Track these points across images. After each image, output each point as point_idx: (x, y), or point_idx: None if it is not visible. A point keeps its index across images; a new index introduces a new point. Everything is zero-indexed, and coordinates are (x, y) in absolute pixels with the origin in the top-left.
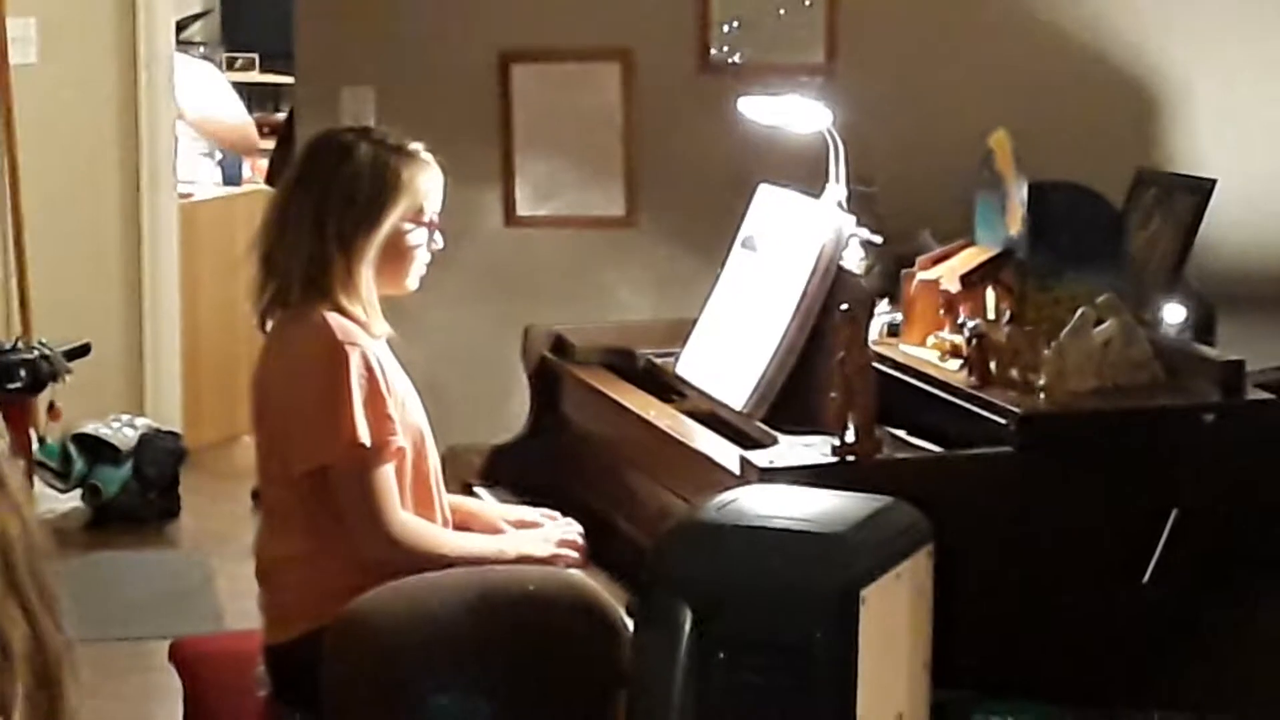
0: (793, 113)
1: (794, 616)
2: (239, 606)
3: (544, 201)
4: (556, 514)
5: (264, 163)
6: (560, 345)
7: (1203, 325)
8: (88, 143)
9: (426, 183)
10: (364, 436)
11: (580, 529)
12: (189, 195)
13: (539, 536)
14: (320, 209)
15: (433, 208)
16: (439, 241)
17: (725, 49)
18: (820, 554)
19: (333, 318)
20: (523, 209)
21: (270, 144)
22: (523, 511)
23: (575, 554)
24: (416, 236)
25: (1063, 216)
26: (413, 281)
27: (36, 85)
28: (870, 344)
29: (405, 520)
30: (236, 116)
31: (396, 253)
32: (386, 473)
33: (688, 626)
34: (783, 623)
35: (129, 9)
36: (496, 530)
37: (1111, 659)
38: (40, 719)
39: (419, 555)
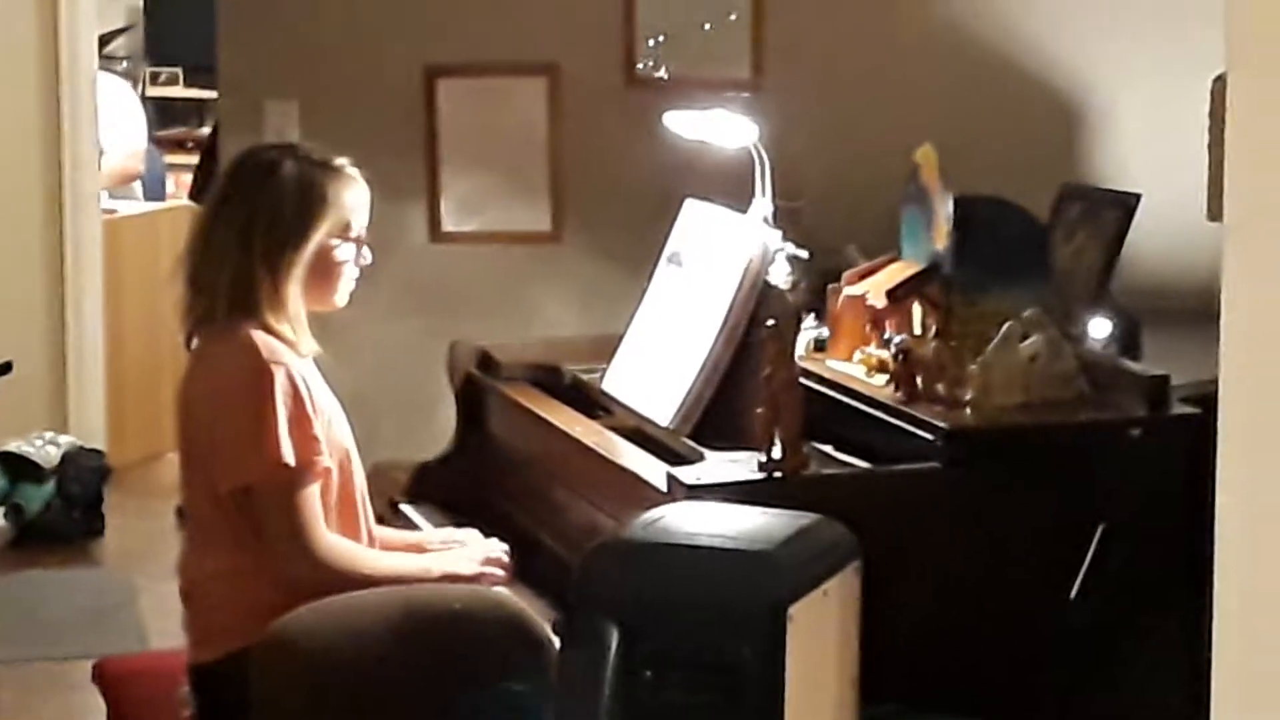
0: (718, 127)
1: (721, 635)
2: (163, 625)
3: (469, 217)
4: (477, 534)
5: (187, 177)
6: (486, 361)
7: (1128, 340)
8: (10, 157)
9: (353, 199)
10: (288, 456)
11: (506, 547)
12: (112, 211)
13: (464, 555)
14: (246, 227)
15: (360, 224)
16: (367, 257)
17: (651, 64)
18: (747, 572)
19: (259, 336)
20: (448, 224)
21: (194, 159)
22: (448, 532)
23: (501, 572)
24: (344, 253)
25: (988, 231)
26: (341, 298)
27: None
28: (796, 359)
29: (329, 540)
30: (121, 150)
31: (324, 269)
32: (311, 493)
33: (614, 645)
34: (710, 641)
35: (51, 23)
36: (421, 551)
37: (1037, 675)
38: None
39: (343, 575)
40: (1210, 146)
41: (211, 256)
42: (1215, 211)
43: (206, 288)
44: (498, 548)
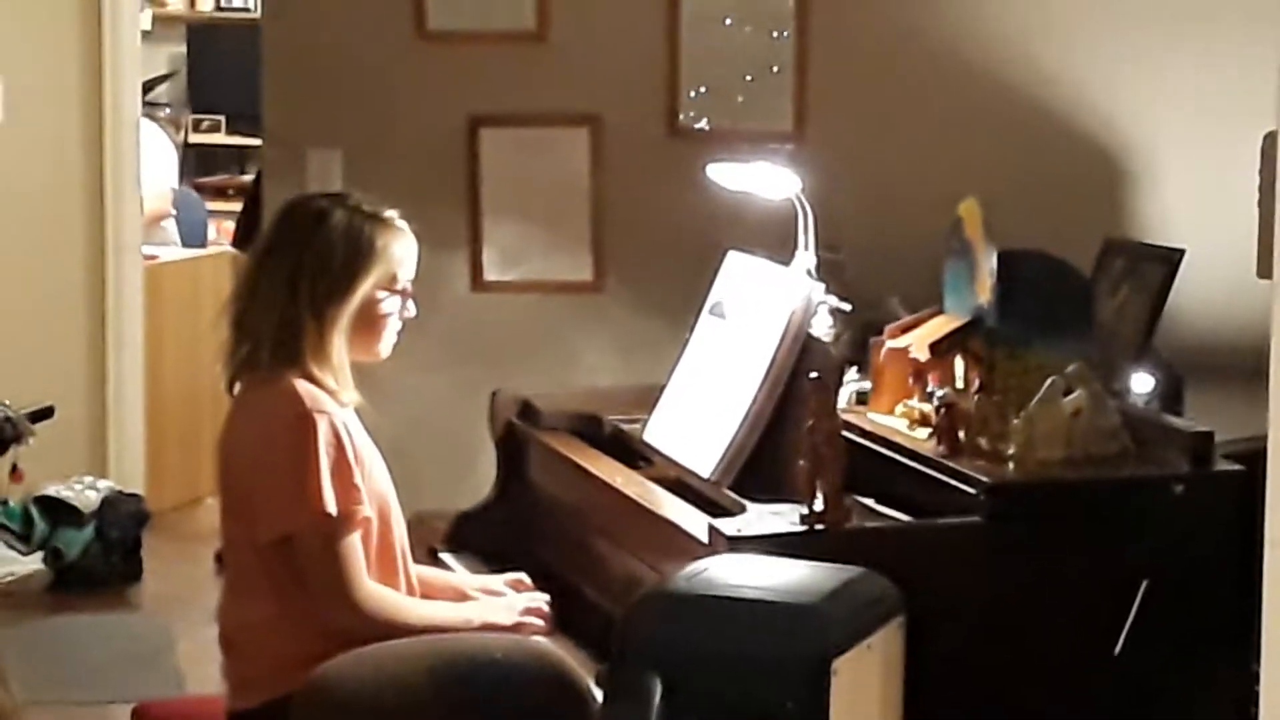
0: (761, 179)
1: (765, 687)
2: (201, 671)
3: (511, 266)
4: (524, 576)
5: (229, 224)
6: (527, 411)
7: (1171, 395)
8: (53, 203)
9: (401, 251)
10: (330, 506)
11: (546, 597)
12: (154, 257)
13: (504, 605)
14: (294, 275)
15: (406, 276)
16: (411, 310)
17: (693, 115)
18: (792, 625)
19: (301, 385)
20: (490, 274)
21: (236, 205)
22: (488, 580)
23: (540, 622)
24: (390, 305)
25: (1032, 285)
26: (385, 349)
27: (2, 145)
28: (839, 412)
29: (371, 589)
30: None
31: (369, 320)
32: (353, 542)
33: (658, 697)
34: (754, 694)
35: (96, 70)
36: (462, 598)
37: None
38: None
39: (384, 624)
40: (1260, 203)
41: (257, 303)
42: (1264, 269)
43: (251, 334)
44: (538, 598)
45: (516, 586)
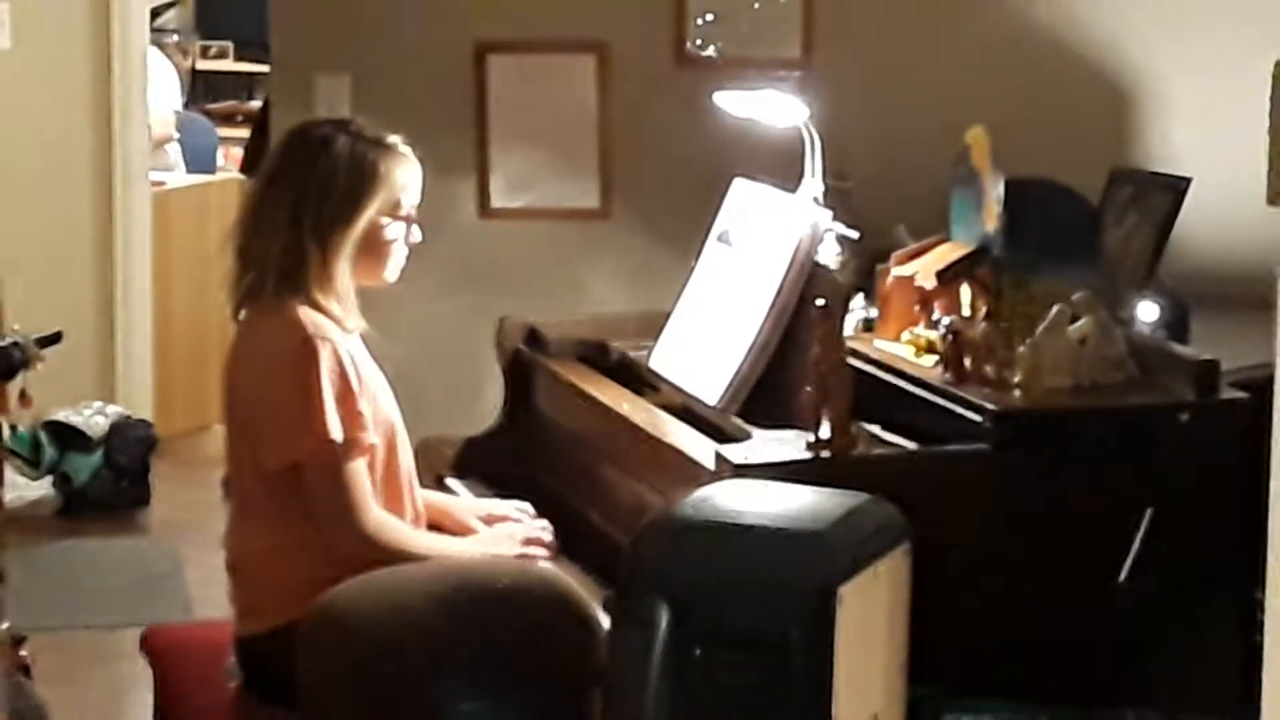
0: (768, 107)
1: (771, 614)
2: (209, 595)
3: (518, 193)
4: (528, 506)
5: (237, 151)
6: (534, 338)
7: (1177, 324)
8: (60, 130)
9: (404, 176)
10: (335, 433)
11: (549, 526)
12: (162, 183)
13: (506, 534)
14: (297, 202)
15: (411, 201)
16: (417, 235)
17: (701, 42)
18: (798, 551)
19: (305, 312)
20: (497, 201)
21: (244, 132)
22: (494, 504)
23: (543, 552)
24: (394, 231)
25: (1038, 213)
26: (392, 274)
27: (9, 71)
28: (845, 339)
29: (377, 516)
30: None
31: (374, 247)
32: (358, 468)
33: (664, 623)
34: (760, 620)
35: None
36: (468, 529)
37: (1086, 657)
38: None
39: (390, 552)
40: (1271, 130)
41: (262, 230)
42: (1275, 196)
43: (255, 262)
44: (540, 527)
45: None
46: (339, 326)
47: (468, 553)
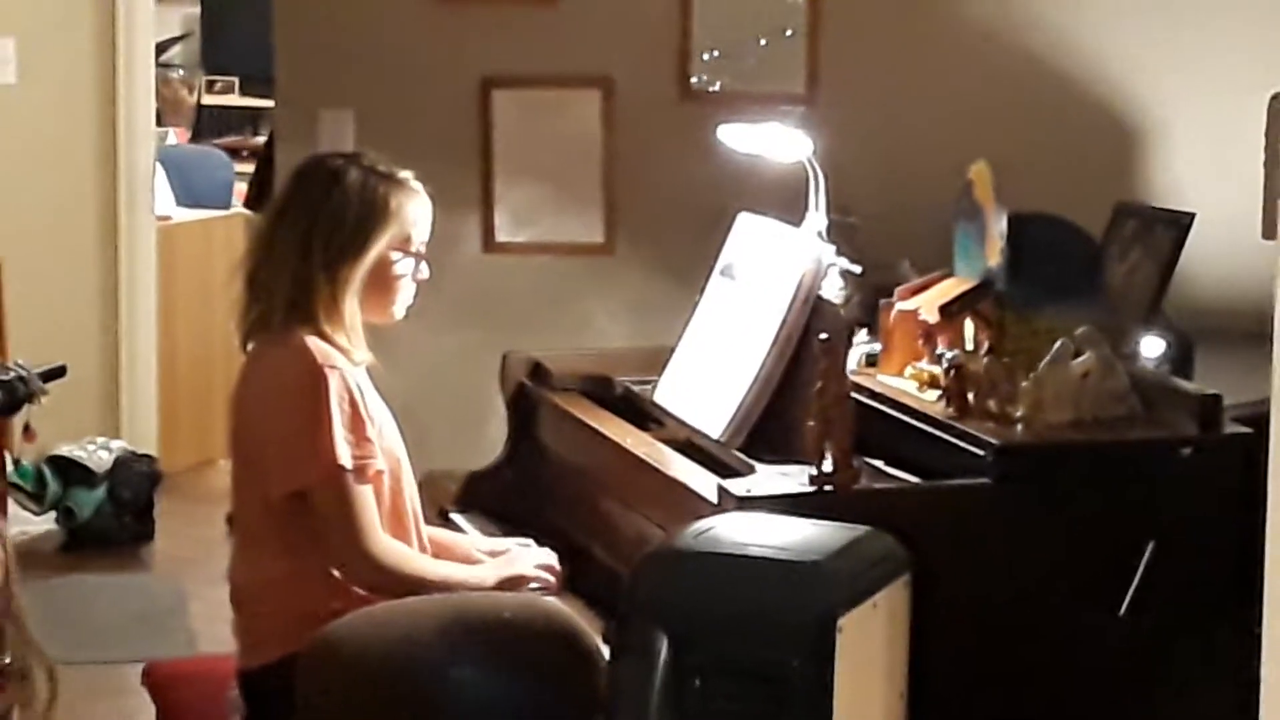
0: (773, 141)
1: (771, 644)
2: (213, 630)
3: (523, 228)
4: (530, 542)
5: (241, 185)
6: (538, 372)
7: (1180, 359)
8: (66, 164)
9: (415, 211)
10: (344, 458)
11: (554, 555)
12: (167, 218)
13: (516, 559)
14: (307, 233)
15: (420, 237)
16: (425, 272)
17: (705, 77)
18: (797, 582)
19: (313, 341)
20: (501, 235)
21: (249, 167)
22: (498, 542)
23: (550, 578)
24: (403, 266)
25: (1042, 248)
26: (399, 310)
27: (15, 106)
28: (848, 374)
29: (387, 542)
30: None
31: (382, 281)
32: (367, 494)
33: (664, 654)
34: (759, 651)
35: (109, 31)
36: (473, 561)
37: (1086, 690)
38: None
39: (401, 578)
40: (1266, 164)
41: (271, 261)
42: (1269, 230)
43: (264, 293)
44: (548, 556)
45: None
46: (346, 358)
47: (475, 578)
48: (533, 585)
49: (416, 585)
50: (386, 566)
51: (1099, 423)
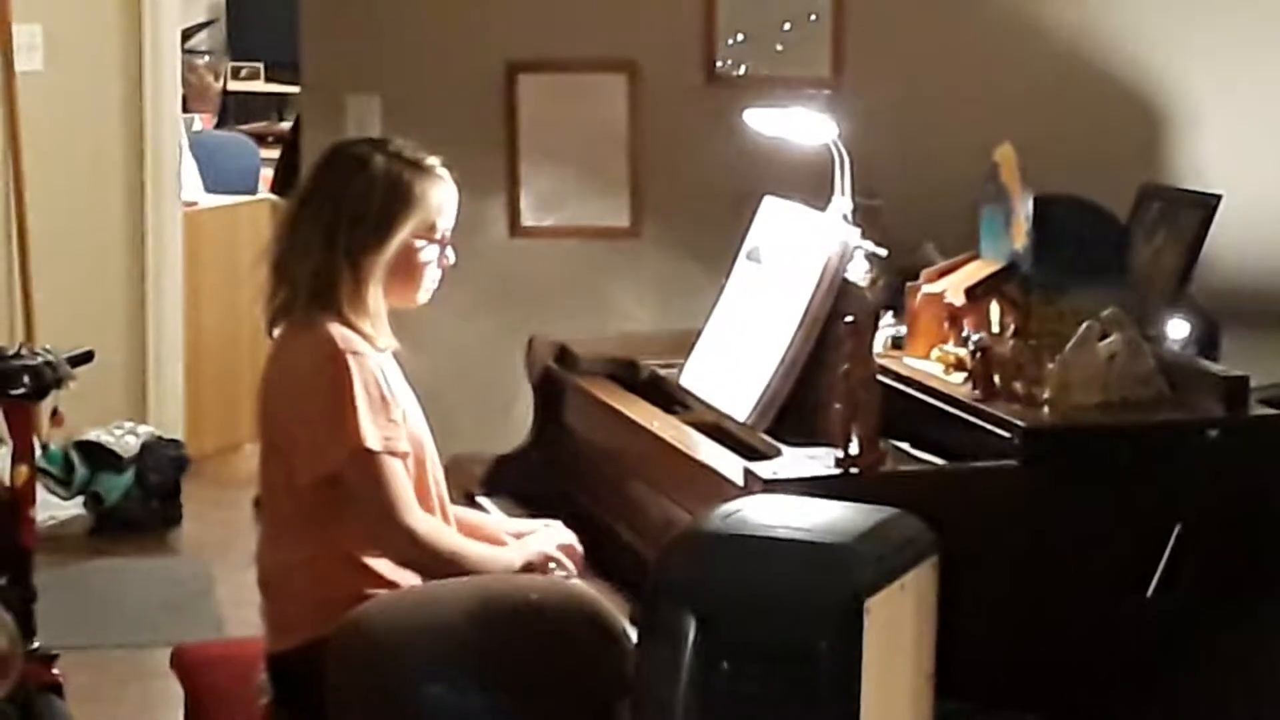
0: (798, 125)
1: (798, 626)
2: (240, 614)
3: (549, 212)
4: (558, 524)
5: (267, 171)
6: (564, 355)
7: (1207, 341)
8: (92, 150)
9: (440, 198)
10: (371, 441)
11: (575, 536)
12: (193, 203)
13: (543, 539)
14: (332, 220)
15: (445, 225)
16: (450, 258)
17: (731, 62)
18: (824, 564)
19: (337, 328)
20: (527, 219)
21: (275, 153)
22: (523, 524)
23: (572, 564)
24: (428, 253)
25: (1068, 230)
26: (423, 296)
27: (42, 92)
28: (874, 356)
29: (422, 516)
30: None
31: (407, 268)
32: (398, 471)
33: (691, 636)
34: (786, 633)
35: (135, 18)
36: (499, 543)
37: (1114, 672)
38: None
39: (435, 552)
40: None
41: (296, 248)
42: None
43: (289, 278)
44: (569, 536)
45: None
46: (370, 345)
47: (505, 558)
48: (553, 568)
49: (449, 560)
50: (422, 540)
51: (1125, 405)
